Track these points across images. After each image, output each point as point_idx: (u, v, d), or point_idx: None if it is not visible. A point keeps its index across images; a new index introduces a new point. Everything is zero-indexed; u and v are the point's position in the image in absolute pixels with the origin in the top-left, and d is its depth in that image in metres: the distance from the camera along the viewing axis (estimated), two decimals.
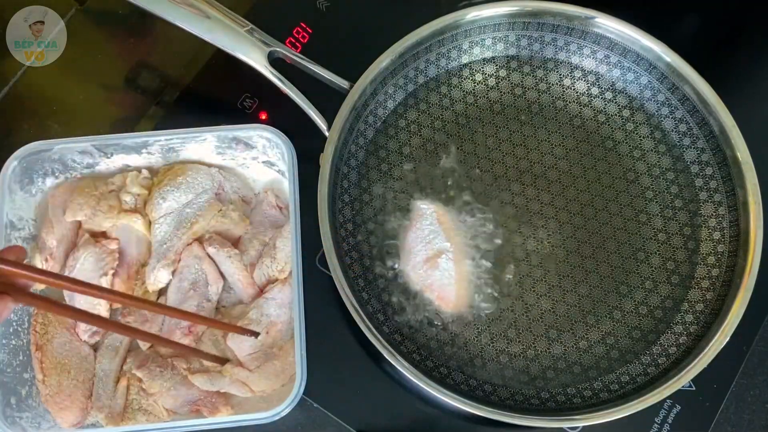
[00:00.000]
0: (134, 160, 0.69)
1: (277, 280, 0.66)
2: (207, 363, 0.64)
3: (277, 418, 0.59)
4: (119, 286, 0.66)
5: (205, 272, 0.66)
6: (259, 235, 0.68)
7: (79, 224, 0.68)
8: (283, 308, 0.65)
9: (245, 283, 0.66)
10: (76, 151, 0.67)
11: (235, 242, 0.69)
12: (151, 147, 0.68)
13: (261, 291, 0.66)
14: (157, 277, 0.65)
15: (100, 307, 0.65)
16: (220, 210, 0.67)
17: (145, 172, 0.69)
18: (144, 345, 0.65)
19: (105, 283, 0.64)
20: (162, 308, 0.62)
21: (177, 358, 0.64)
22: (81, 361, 0.64)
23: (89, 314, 0.57)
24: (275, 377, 0.63)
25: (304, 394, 0.65)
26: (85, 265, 0.65)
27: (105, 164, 0.69)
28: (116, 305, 0.66)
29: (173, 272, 0.66)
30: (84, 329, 0.65)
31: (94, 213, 0.66)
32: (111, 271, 0.65)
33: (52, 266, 0.66)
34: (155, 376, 0.63)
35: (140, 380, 0.63)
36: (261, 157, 0.70)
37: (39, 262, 0.66)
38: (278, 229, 0.68)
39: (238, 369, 0.63)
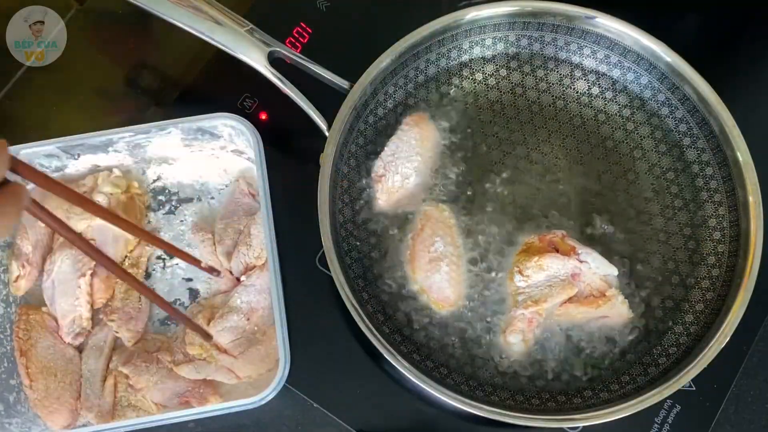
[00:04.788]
0: (102, 159, 0.70)
1: (255, 266, 0.67)
2: (192, 352, 0.64)
3: (263, 402, 0.59)
4: (98, 285, 0.66)
5: None
6: (233, 223, 0.68)
7: None
8: (262, 294, 0.65)
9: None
10: (42, 155, 0.67)
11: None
12: (117, 145, 0.68)
13: (238, 279, 0.67)
14: None
15: (81, 308, 0.65)
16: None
17: (116, 171, 0.70)
18: (128, 342, 0.65)
19: (84, 284, 0.65)
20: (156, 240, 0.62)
21: (161, 352, 0.65)
22: (67, 364, 0.64)
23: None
24: (260, 362, 0.64)
25: (304, 395, 0.65)
26: (62, 268, 0.65)
27: (74, 166, 0.69)
28: (98, 305, 0.67)
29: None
30: (67, 331, 0.65)
31: (68, 216, 0.66)
32: (89, 272, 0.65)
33: (29, 272, 0.66)
34: (141, 371, 0.63)
35: (127, 377, 0.64)
36: (229, 146, 0.70)
37: (16, 269, 0.66)
38: (252, 216, 0.68)
39: (223, 356, 0.64)
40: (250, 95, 0.75)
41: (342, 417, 0.65)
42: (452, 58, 0.72)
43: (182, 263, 0.69)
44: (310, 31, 0.78)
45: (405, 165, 0.67)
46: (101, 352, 0.65)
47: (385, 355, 0.58)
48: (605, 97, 0.71)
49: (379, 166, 0.67)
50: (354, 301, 0.59)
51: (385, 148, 0.68)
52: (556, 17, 0.70)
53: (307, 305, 0.67)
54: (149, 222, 0.71)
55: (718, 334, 0.59)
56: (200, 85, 0.77)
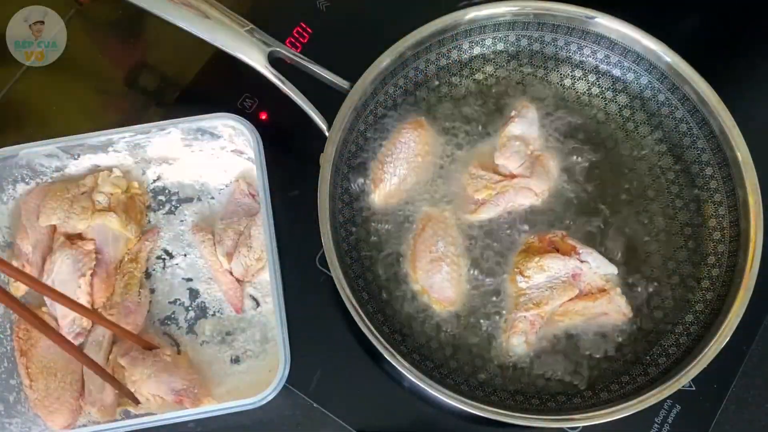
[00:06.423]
0: (102, 159, 0.70)
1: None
2: (480, 196, 0.66)
3: (263, 402, 0.59)
4: (98, 285, 0.66)
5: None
6: (233, 224, 0.68)
7: (54, 228, 0.68)
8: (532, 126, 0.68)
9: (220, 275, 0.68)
10: (42, 155, 0.67)
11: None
12: (117, 145, 0.68)
13: (239, 280, 0.68)
14: None
15: (81, 300, 0.65)
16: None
17: (117, 171, 0.70)
18: None
19: (84, 284, 0.65)
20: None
21: (160, 350, 0.65)
22: (67, 363, 0.64)
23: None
24: (546, 175, 0.66)
25: (304, 395, 0.65)
26: (62, 268, 0.65)
27: (74, 166, 0.70)
28: (98, 305, 0.66)
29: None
30: (67, 331, 0.65)
31: (68, 216, 0.66)
32: (89, 272, 0.65)
33: (29, 272, 0.66)
34: (137, 363, 0.63)
35: (125, 369, 0.63)
36: (229, 147, 0.70)
37: None
38: (252, 217, 0.68)
39: (517, 179, 0.66)
40: (250, 95, 0.75)
41: (342, 417, 0.65)
42: (452, 58, 0.72)
43: (182, 263, 0.69)
44: (310, 31, 0.78)
45: (404, 166, 0.67)
46: (101, 347, 0.65)
47: (385, 355, 0.58)
48: (605, 97, 0.71)
49: (378, 167, 0.67)
50: (354, 301, 0.59)
51: (384, 149, 0.68)
52: (556, 17, 0.70)
53: (307, 305, 0.67)
54: (149, 222, 0.71)
55: (718, 334, 0.59)
56: (200, 85, 0.77)
